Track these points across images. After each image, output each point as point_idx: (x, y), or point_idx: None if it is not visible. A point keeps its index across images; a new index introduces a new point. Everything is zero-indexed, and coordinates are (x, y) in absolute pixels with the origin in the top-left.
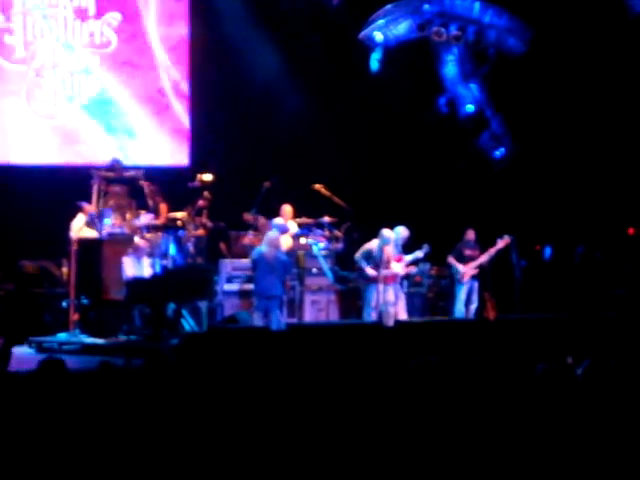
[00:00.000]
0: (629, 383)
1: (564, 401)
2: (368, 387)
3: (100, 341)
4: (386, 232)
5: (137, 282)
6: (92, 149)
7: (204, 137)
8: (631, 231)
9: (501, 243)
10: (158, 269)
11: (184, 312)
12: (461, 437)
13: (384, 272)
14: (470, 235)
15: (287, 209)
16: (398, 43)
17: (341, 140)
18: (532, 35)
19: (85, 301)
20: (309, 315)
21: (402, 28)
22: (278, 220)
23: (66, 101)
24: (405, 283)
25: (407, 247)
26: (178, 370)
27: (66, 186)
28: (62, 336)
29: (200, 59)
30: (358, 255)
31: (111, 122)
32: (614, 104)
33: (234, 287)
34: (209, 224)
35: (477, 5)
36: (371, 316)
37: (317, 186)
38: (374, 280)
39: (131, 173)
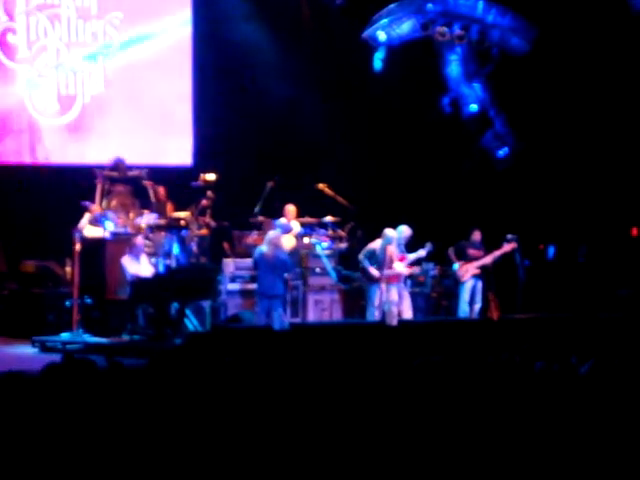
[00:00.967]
0: (633, 383)
1: (568, 400)
2: (371, 387)
3: (104, 340)
4: (389, 232)
5: (140, 282)
6: (95, 148)
7: (207, 137)
8: (635, 232)
9: (507, 247)
10: (161, 268)
11: (188, 311)
12: (465, 437)
13: (387, 272)
14: (476, 236)
15: (290, 209)
16: (401, 42)
17: (344, 139)
18: (536, 34)
19: (89, 300)
20: (312, 315)
21: (405, 27)
22: (282, 220)
23: (69, 100)
24: (409, 283)
25: (411, 246)
26: (181, 370)
27: (70, 186)
28: (66, 335)
29: (204, 58)
30: (361, 255)
31: (114, 121)
32: (618, 103)
33: (237, 286)
34: (212, 224)
35: (480, 4)
36: (374, 316)
37: (320, 186)
38: (377, 280)
39: (134, 173)
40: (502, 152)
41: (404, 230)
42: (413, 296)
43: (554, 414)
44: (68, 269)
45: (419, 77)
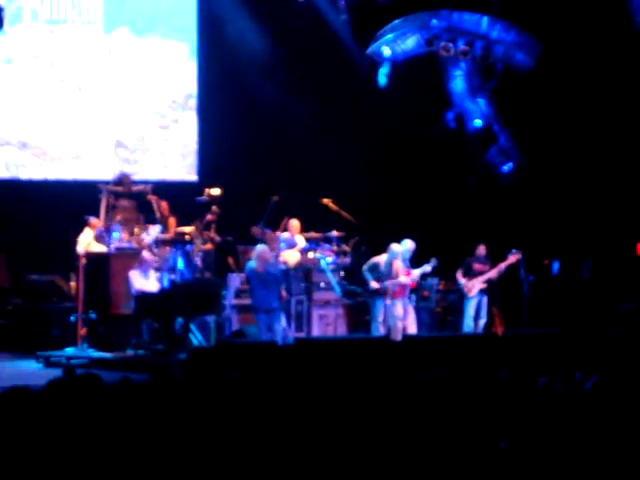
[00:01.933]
0: (637, 398)
1: (572, 416)
2: (376, 401)
3: (108, 355)
4: (395, 246)
5: (145, 296)
6: (101, 164)
7: (212, 152)
8: None
9: (512, 258)
10: (166, 283)
11: (192, 326)
12: (469, 451)
13: (392, 286)
14: (481, 250)
15: (295, 223)
16: (406, 58)
17: (349, 154)
18: (541, 50)
19: (93, 315)
20: (317, 329)
21: (410, 43)
22: (286, 234)
23: (75, 116)
24: (413, 297)
25: (416, 261)
26: (186, 385)
27: (75, 201)
28: (70, 350)
29: (209, 74)
30: (364, 267)
31: (120, 136)
32: (622, 119)
33: (242, 301)
34: (217, 238)
35: (485, 20)
36: (379, 330)
37: (325, 200)
38: (381, 294)
39: (139, 187)
40: (507, 167)
41: (408, 244)
42: (418, 311)
43: (558, 429)
44: (73, 284)
45: (424, 92)
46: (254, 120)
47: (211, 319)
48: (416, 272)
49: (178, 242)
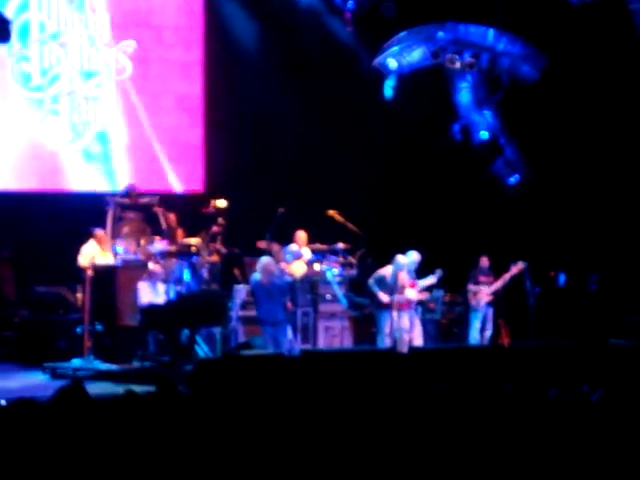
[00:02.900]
0: None
1: (579, 429)
2: (382, 414)
3: (114, 367)
4: (400, 258)
5: (151, 308)
6: (106, 175)
7: (218, 163)
8: None
9: (515, 269)
10: (172, 295)
11: (198, 338)
12: (476, 464)
13: (398, 298)
14: (484, 262)
15: (301, 235)
16: (412, 70)
17: (355, 166)
18: (546, 63)
19: (99, 327)
20: (323, 341)
21: (416, 55)
22: (292, 246)
23: (82, 128)
24: (419, 310)
25: (422, 273)
26: (192, 397)
27: (81, 212)
28: (76, 362)
29: (215, 85)
30: (371, 280)
31: (126, 148)
32: (628, 131)
33: (248, 313)
34: (223, 250)
35: (491, 32)
36: (385, 342)
37: (331, 212)
38: (387, 306)
39: (146, 200)
40: (513, 179)
41: (414, 255)
42: (424, 323)
43: (565, 442)
44: (79, 296)
45: (430, 105)
46: (260, 132)
47: (217, 331)
48: (422, 283)
49: (184, 254)
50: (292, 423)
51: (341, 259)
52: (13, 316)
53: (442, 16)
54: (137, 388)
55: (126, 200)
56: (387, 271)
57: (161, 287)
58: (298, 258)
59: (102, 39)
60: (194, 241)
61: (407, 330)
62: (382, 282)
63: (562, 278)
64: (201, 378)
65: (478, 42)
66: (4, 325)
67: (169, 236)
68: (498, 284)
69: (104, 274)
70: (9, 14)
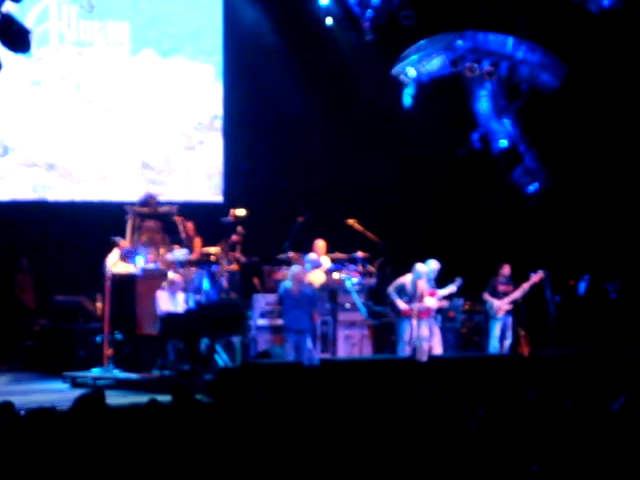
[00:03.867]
0: None
1: (600, 438)
2: (402, 423)
3: (134, 376)
4: (420, 267)
5: (171, 317)
6: (127, 185)
7: (238, 173)
8: None
9: (535, 278)
10: (192, 304)
11: (218, 347)
12: (497, 473)
13: (418, 307)
14: (505, 270)
15: (320, 244)
16: (431, 79)
17: (374, 175)
18: (566, 71)
19: (119, 336)
20: (342, 350)
21: (435, 64)
22: (311, 255)
23: (102, 137)
24: (439, 318)
25: (441, 282)
26: (212, 405)
27: (101, 222)
28: (96, 371)
29: (234, 95)
30: (390, 289)
31: (146, 157)
32: None
33: (267, 322)
34: (243, 259)
35: (510, 41)
36: (404, 351)
37: (350, 221)
38: (407, 314)
39: (165, 208)
40: (532, 187)
41: (433, 264)
42: (443, 332)
43: (586, 451)
44: (99, 305)
45: (449, 113)
46: (280, 141)
47: (237, 340)
48: (441, 292)
49: (204, 263)
50: (311, 431)
51: (360, 268)
52: (33, 325)
53: (461, 24)
54: (157, 397)
55: (145, 209)
56: (407, 279)
57: (180, 296)
58: (317, 267)
59: (122, 48)
60: (213, 250)
61: (427, 339)
62: (402, 290)
63: (582, 287)
64: (221, 387)
65: (497, 50)
66: (24, 334)
67: (188, 245)
68: (517, 294)
69: (124, 283)
70: (29, 23)
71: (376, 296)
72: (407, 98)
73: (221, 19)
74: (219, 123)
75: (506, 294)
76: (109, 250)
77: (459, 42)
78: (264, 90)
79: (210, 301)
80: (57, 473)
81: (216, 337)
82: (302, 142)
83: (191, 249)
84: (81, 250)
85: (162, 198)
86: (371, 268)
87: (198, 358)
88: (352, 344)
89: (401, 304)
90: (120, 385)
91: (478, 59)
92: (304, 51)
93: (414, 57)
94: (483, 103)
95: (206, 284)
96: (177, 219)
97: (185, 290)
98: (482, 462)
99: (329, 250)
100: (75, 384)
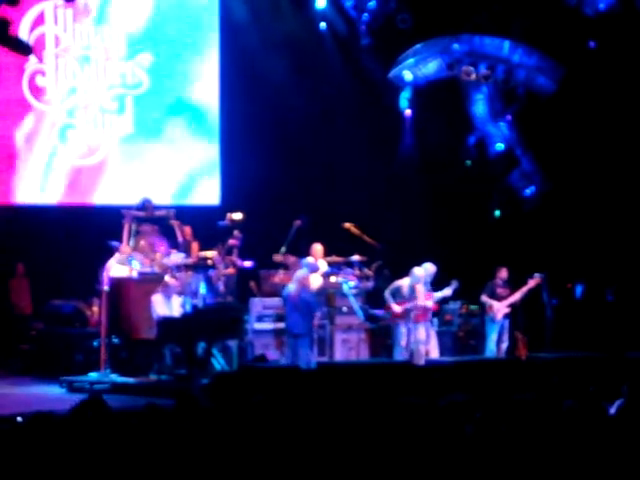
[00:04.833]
0: None
1: (596, 441)
2: (398, 426)
3: (131, 380)
4: (417, 270)
5: (168, 321)
6: (123, 189)
7: (234, 176)
8: None
9: (532, 282)
10: (188, 308)
11: (214, 351)
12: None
13: (410, 305)
14: (503, 273)
15: (317, 248)
16: (427, 82)
17: (371, 178)
18: (562, 74)
19: (116, 340)
20: (339, 354)
21: (431, 67)
22: (309, 259)
23: (97, 141)
24: (436, 321)
25: (437, 284)
26: (209, 410)
27: (97, 226)
28: (93, 375)
29: (231, 97)
30: (387, 292)
31: (141, 161)
32: None
33: (264, 326)
34: (239, 263)
35: (506, 44)
36: (401, 355)
37: (347, 225)
38: (403, 317)
39: (162, 212)
40: (529, 191)
41: (429, 267)
42: (440, 335)
43: (582, 454)
44: (95, 309)
45: (445, 116)
46: (276, 145)
47: (233, 344)
48: (437, 295)
49: (200, 267)
50: (308, 435)
51: (357, 271)
52: (29, 330)
53: (457, 28)
54: (155, 401)
55: (142, 213)
56: (403, 282)
57: (176, 300)
58: (314, 271)
59: (118, 52)
60: (210, 254)
61: (423, 342)
62: (398, 293)
63: (579, 290)
64: (218, 391)
65: (494, 54)
66: (21, 338)
67: (185, 249)
68: (515, 297)
69: (120, 287)
70: (24, 28)
71: (373, 300)
72: (403, 102)
73: (217, 24)
74: (217, 126)
75: (504, 297)
76: (105, 254)
77: (455, 46)
78: (261, 93)
79: (207, 305)
80: (53, 478)
81: (213, 341)
82: (299, 146)
83: (188, 253)
84: (77, 255)
85: (159, 202)
86: (368, 271)
87: (195, 362)
88: (349, 348)
89: (394, 307)
90: (117, 390)
91: (474, 62)
92: (300, 54)
93: (411, 61)
94: (479, 106)
95: (203, 288)
96: (174, 223)
97: (182, 294)
98: (479, 466)
99: (326, 254)
100: (72, 389)
